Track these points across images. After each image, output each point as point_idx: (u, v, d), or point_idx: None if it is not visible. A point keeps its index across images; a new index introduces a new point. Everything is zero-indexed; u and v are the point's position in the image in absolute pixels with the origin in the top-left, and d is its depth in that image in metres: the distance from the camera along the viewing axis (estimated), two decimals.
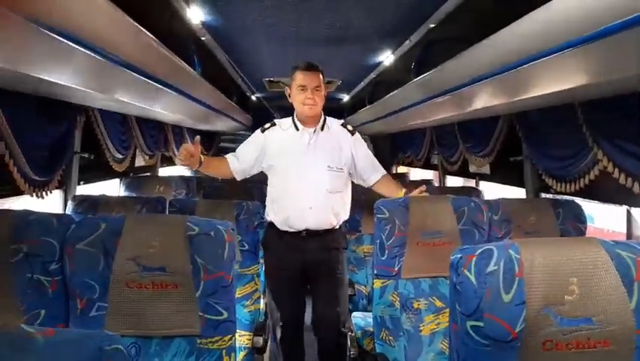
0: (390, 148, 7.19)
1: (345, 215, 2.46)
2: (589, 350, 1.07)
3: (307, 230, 2.35)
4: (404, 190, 2.40)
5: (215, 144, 7.70)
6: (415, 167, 6.30)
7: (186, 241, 1.54)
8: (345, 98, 7.01)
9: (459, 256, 1.14)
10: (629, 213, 2.45)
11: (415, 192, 2.34)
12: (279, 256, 2.40)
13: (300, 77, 2.34)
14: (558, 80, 1.89)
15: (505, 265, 1.08)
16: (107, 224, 1.56)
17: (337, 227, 2.43)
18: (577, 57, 1.62)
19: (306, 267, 2.39)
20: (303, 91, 2.33)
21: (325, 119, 2.45)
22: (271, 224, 2.43)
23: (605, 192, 2.37)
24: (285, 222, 2.36)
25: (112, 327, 1.52)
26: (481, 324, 1.06)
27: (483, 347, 1.07)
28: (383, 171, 2.52)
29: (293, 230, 2.36)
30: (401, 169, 7.27)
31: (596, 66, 1.64)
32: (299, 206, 2.33)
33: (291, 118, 2.45)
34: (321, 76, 2.36)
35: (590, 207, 4.02)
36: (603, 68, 1.63)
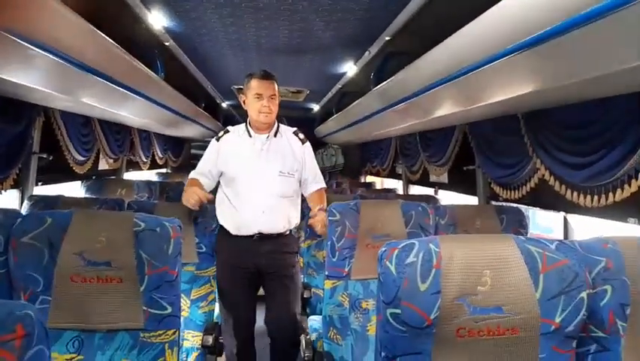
0: (359, 158, 7.28)
1: (296, 220, 2.51)
2: (499, 337, 1.15)
3: (260, 233, 2.38)
4: (318, 207, 2.40)
5: (185, 151, 7.67)
6: (382, 176, 6.40)
7: (132, 237, 1.58)
8: (316, 108, 7.10)
9: (384, 249, 1.22)
10: (565, 220, 2.59)
11: (312, 213, 2.39)
12: (231, 260, 2.41)
13: (256, 85, 2.39)
14: (503, 88, 1.99)
15: (423, 257, 1.16)
16: (53, 219, 1.59)
17: (289, 232, 2.48)
18: (519, 63, 1.71)
19: (260, 270, 2.41)
20: (259, 99, 2.38)
21: (279, 126, 2.50)
22: (223, 229, 2.45)
23: (545, 199, 2.49)
24: (237, 226, 2.39)
25: (55, 320, 1.54)
26: (398, 311, 1.13)
27: (401, 333, 1.14)
28: (322, 185, 2.56)
29: (246, 234, 2.38)
30: (370, 178, 7.36)
31: (536, 74, 1.74)
32: (251, 210, 2.36)
33: (244, 125, 2.50)
34: (275, 85, 2.42)
35: (550, 219, 4.15)
36: (542, 76, 1.73)
